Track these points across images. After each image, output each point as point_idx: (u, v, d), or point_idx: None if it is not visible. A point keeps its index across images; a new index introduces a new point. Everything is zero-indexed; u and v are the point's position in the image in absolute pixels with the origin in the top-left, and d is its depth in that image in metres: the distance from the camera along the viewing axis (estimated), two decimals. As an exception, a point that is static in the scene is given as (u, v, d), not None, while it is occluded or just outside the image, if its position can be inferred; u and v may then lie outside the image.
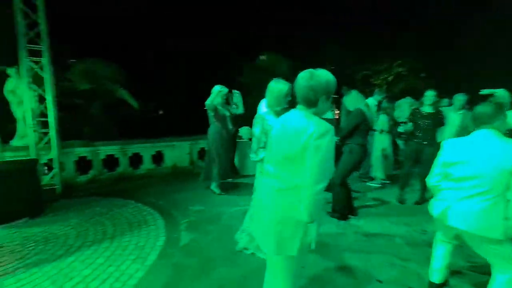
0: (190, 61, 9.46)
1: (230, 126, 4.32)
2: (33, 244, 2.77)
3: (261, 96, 2.70)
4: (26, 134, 4.30)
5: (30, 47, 3.84)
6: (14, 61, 3.61)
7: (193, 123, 6.13)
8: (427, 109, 3.73)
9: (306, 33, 11.53)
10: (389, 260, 2.53)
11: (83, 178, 4.81)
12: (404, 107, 5.60)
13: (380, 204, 3.99)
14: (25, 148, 4.20)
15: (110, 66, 6.10)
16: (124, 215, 3.53)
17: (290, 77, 2.53)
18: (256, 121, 2.56)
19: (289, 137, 1.33)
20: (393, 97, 6.26)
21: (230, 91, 4.40)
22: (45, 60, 3.93)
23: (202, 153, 6.11)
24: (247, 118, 4.80)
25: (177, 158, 5.69)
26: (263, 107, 2.60)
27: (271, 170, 1.44)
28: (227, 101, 4.44)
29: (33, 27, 3.84)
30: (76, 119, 5.86)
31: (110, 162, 5.15)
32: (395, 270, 2.39)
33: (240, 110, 4.52)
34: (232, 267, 2.43)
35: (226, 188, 4.37)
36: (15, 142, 4.24)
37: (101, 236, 2.96)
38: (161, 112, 9.84)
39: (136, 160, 5.40)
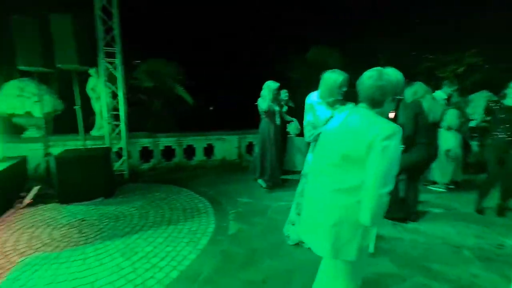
0: (239, 57, 9.69)
1: (278, 122, 4.32)
2: (107, 220, 3.21)
3: (310, 91, 2.64)
4: (102, 125, 4.99)
5: (106, 49, 4.42)
6: (94, 63, 4.20)
7: (243, 117, 6.29)
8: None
9: (356, 25, 10.77)
10: (455, 272, 2.27)
11: (145, 166, 5.37)
12: (478, 102, 4.86)
13: (444, 211, 3.57)
14: (101, 137, 4.87)
15: (171, 64, 6.66)
16: (179, 201, 3.84)
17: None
18: (307, 108, 2.52)
19: (351, 136, 1.27)
20: (465, 90, 5.47)
21: (280, 87, 4.40)
22: (118, 61, 4.47)
23: (250, 147, 6.26)
24: (296, 113, 4.76)
25: (226, 152, 5.93)
26: (313, 97, 2.54)
27: (325, 169, 1.39)
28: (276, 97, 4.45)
29: (109, 32, 4.39)
30: (141, 113, 6.49)
31: (168, 152, 5.63)
32: (461, 285, 2.13)
33: (288, 118, 4.61)
34: (278, 260, 2.45)
35: (273, 183, 4.41)
36: (93, 132, 4.95)
37: (160, 219, 3.28)
38: (211, 108, 10.34)
39: (190, 152, 5.80)
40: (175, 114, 7.46)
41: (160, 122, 7.09)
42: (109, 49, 4.44)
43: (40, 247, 2.61)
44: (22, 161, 3.94)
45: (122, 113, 4.65)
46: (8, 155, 3.86)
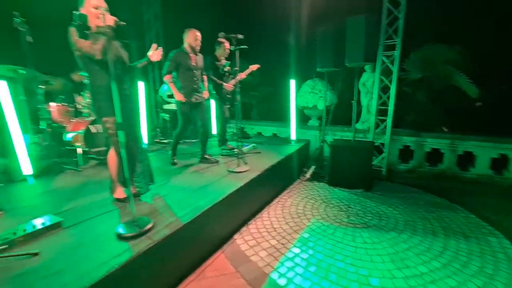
0: None
1: None
2: (370, 215, 3.24)
3: None
4: (366, 119, 5.16)
5: (386, 42, 4.35)
6: (374, 58, 4.29)
7: None
8: None
9: None
10: None
11: (403, 167, 4.92)
12: None
13: None
14: (364, 131, 5.05)
15: (452, 49, 5.43)
16: (454, 221, 3.06)
17: None
18: None
19: None
20: None
21: None
22: (396, 53, 4.27)
23: None
24: None
25: (535, 170, 3.94)
26: None
27: None
28: None
29: (392, 24, 4.25)
30: (401, 107, 5.97)
31: (434, 156, 4.76)
32: None
33: None
34: None
35: None
36: (358, 125, 5.25)
37: (430, 236, 2.77)
38: (478, 104, 7.28)
39: (465, 160, 4.51)
40: (445, 110, 6.15)
41: (423, 118, 6.18)
42: (388, 42, 4.34)
43: (319, 219, 3.14)
44: (307, 144, 5.04)
45: (391, 108, 4.48)
46: (299, 138, 5.08)
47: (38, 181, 3.14)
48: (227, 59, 4.07)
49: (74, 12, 1.94)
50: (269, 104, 7.74)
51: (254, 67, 3.96)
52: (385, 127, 4.64)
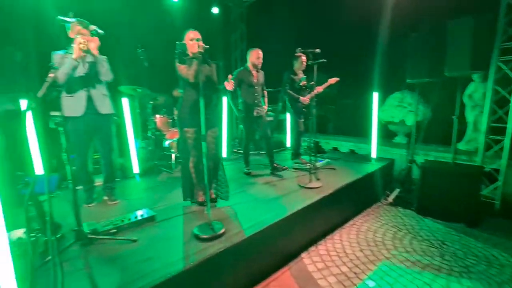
0: None
1: None
2: (474, 258, 2.61)
3: None
4: (473, 138, 4.26)
5: (504, 45, 3.53)
6: (485, 65, 3.52)
7: None
8: None
9: None
10: None
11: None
12: None
13: None
14: (468, 153, 4.17)
15: None
16: None
17: None
18: None
19: None
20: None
21: None
22: (520, 57, 3.41)
23: None
24: None
25: None
26: None
27: None
28: None
29: (513, 23, 3.44)
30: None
31: None
32: None
33: None
34: None
35: None
36: (460, 145, 4.37)
37: None
38: None
39: None
40: None
41: None
42: (507, 45, 3.52)
43: (402, 252, 2.72)
44: (391, 163, 4.50)
45: (510, 125, 3.56)
46: (381, 156, 4.59)
47: (143, 179, 3.82)
48: (305, 73, 4.10)
49: (177, 42, 2.36)
50: (347, 118, 7.29)
51: (332, 80, 3.85)
52: (501, 149, 3.70)
